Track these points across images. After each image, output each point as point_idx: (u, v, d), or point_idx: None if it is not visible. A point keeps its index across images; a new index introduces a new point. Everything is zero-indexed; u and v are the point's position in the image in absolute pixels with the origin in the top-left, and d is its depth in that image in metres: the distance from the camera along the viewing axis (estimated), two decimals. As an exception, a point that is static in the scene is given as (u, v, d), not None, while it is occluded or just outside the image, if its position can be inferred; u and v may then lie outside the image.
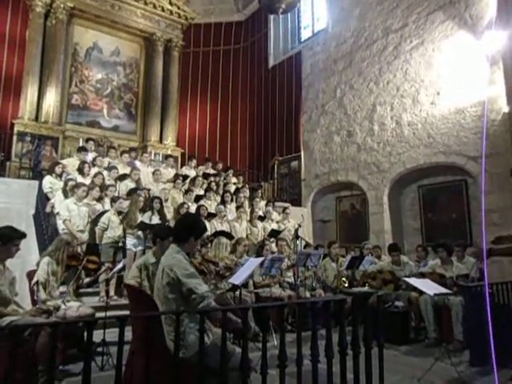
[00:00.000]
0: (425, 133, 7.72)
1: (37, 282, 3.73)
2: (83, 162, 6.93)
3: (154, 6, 12.76)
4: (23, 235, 3.28)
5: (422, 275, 5.04)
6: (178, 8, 13.13)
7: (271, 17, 12.35)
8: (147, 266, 3.68)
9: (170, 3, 12.99)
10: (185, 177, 8.06)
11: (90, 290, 5.38)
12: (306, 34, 11.98)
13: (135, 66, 12.85)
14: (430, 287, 3.91)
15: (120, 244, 5.73)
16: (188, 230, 2.66)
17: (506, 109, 6.31)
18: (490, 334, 2.92)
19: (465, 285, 4.27)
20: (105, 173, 7.08)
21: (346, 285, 5.87)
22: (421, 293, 4.55)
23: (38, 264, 3.90)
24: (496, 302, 4.06)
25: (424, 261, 5.84)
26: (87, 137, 9.54)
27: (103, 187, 6.45)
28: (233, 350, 2.40)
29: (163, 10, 12.91)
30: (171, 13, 13.07)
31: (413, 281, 4.19)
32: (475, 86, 6.86)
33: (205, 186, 8.08)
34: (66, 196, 6.05)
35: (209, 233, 6.31)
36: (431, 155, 7.59)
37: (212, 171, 9.19)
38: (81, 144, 9.48)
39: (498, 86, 6.44)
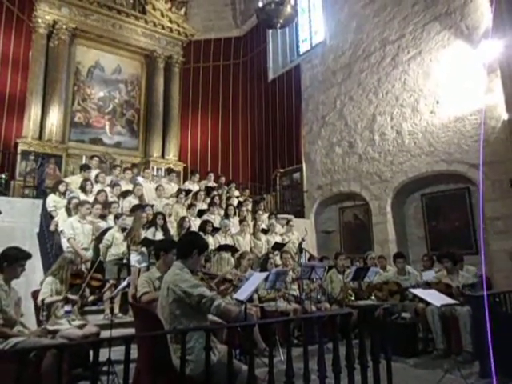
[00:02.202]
0: (425, 141, 7.74)
1: (42, 301, 3.72)
2: (85, 180, 6.96)
3: (155, 24, 13.01)
4: (29, 256, 3.29)
5: (427, 285, 5.00)
6: (178, 25, 13.39)
7: (270, 31, 12.53)
8: (153, 280, 3.67)
9: (170, 21, 13.25)
10: (188, 191, 8.08)
11: (94, 307, 5.36)
12: (304, 47, 12.13)
13: (136, 83, 13.03)
14: (436, 298, 3.87)
15: (124, 261, 5.72)
16: (191, 244, 2.70)
17: (505, 116, 6.34)
18: (489, 344, 2.89)
19: (471, 294, 4.23)
20: (107, 189, 7.12)
21: (353, 298, 5.82)
22: (427, 303, 4.50)
23: (41, 283, 3.91)
24: (504, 310, 4.01)
25: (429, 270, 5.79)
26: (90, 154, 9.62)
27: (106, 204, 6.47)
28: (239, 368, 2.39)
29: (163, 27, 13.16)
30: (171, 30, 13.32)
31: (419, 292, 4.15)
32: (474, 94, 6.91)
33: (208, 200, 8.10)
34: (69, 214, 6.07)
35: (213, 247, 6.31)
36: (433, 164, 7.60)
37: (214, 184, 9.21)
38: (84, 161, 9.57)
39: (497, 94, 6.48)
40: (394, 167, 8.32)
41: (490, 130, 6.59)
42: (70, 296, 3.87)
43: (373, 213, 8.72)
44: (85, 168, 7.65)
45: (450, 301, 3.91)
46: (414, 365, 4.37)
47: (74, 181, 7.35)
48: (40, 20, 11.12)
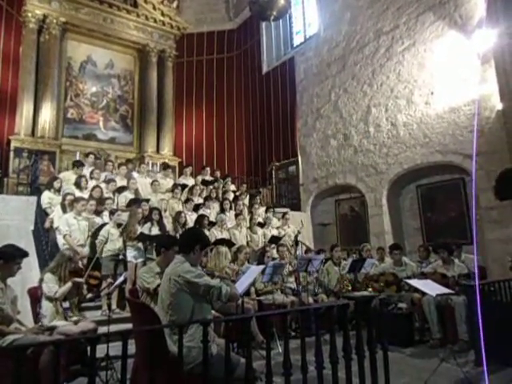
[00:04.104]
0: (420, 133, 7.75)
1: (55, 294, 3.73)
2: (80, 176, 6.92)
3: (146, 18, 12.86)
4: (25, 254, 3.28)
5: (423, 275, 5.04)
6: (170, 19, 13.23)
7: (263, 24, 12.44)
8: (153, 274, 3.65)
9: (162, 14, 13.09)
10: (183, 186, 8.05)
11: (91, 304, 5.36)
12: (298, 39, 12.07)
13: (129, 77, 12.90)
14: (432, 288, 3.90)
15: (120, 257, 5.71)
16: (194, 239, 2.75)
17: (499, 106, 6.35)
18: (481, 333, 2.92)
19: (467, 284, 4.26)
20: (103, 185, 7.08)
21: (350, 288, 5.85)
22: (423, 294, 4.54)
23: (41, 281, 3.88)
24: (499, 299, 4.05)
25: (426, 261, 5.84)
26: (85, 150, 9.56)
27: (101, 200, 6.44)
28: (237, 361, 2.40)
29: (155, 21, 13.01)
30: (163, 24, 13.16)
31: (414, 282, 4.18)
32: (468, 84, 6.90)
33: (204, 194, 8.08)
34: (64, 211, 6.04)
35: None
36: (428, 155, 7.62)
37: (211, 178, 9.19)
38: (77, 158, 9.49)
39: (491, 84, 6.48)
40: (390, 159, 8.33)
41: (484, 121, 6.60)
42: (77, 279, 3.93)
43: (369, 205, 8.74)
44: (78, 164, 7.60)
45: (445, 291, 3.94)
46: (411, 354, 4.42)
47: (67, 176, 7.30)
48: (30, 14, 10.93)
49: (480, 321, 3.06)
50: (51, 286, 3.79)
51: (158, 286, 3.39)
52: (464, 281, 4.54)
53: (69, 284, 3.85)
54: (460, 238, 6.72)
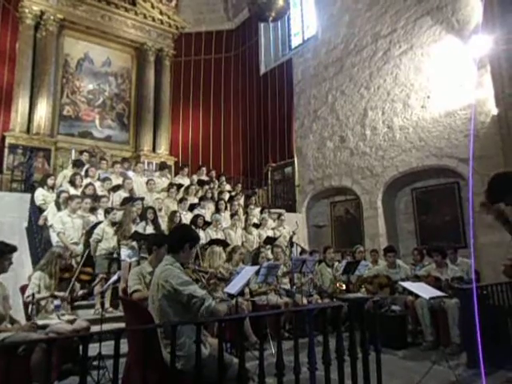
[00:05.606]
0: (416, 136, 7.79)
1: (30, 296, 3.68)
2: (75, 174, 6.88)
3: (145, 16, 12.82)
4: (14, 248, 3.26)
5: (417, 278, 5.06)
6: (169, 18, 13.21)
7: (261, 25, 12.46)
8: (144, 275, 3.64)
9: (161, 13, 13.06)
10: (179, 186, 8.03)
11: (84, 302, 5.32)
12: (296, 41, 12.09)
13: (127, 75, 12.86)
14: (425, 291, 3.92)
15: (115, 255, 5.68)
16: (182, 238, 2.68)
17: (494, 111, 6.40)
18: (478, 336, 2.93)
19: (460, 287, 4.29)
20: (98, 183, 7.05)
21: (344, 288, 5.86)
22: (417, 296, 4.56)
23: (29, 278, 3.86)
24: (491, 303, 4.07)
25: (420, 264, 5.86)
26: (80, 148, 9.51)
27: (95, 198, 6.41)
28: (230, 361, 2.39)
29: (154, 19, 12.98)
30: (162, 22, 13.14)
31: (408, 285, 4.20)
32: (464, 89, 6.95)
33: (199, 194, 8.06)
34: (58, 208, 6.00)
35: (204, 241, 6.30)
36: (423, 158, 7.66)
37: (206, 178, 9.17)
38: (73, 155, 9.46)
39: (487, 89, 6.54)
40: (385, 162, 8.36)
41: (480, 125, 6.64)
42: (57, 293, 3.84)
43: (364, 207, 8.77)
44: (78, 164, 7.55)
45: (438, 293, 3.96)
46: (403, 356, 4.44)
47: (67, 175, 7.27)
48: (27, 10, 10.86)
49: (477, 324, 3.08)
50: (31, 287, 3.77)
51: (135, 291, 3.40)
52: (457, 284, 4.56)
53: (46, 295, 3.79)
54: (454, 242, 6.76)
